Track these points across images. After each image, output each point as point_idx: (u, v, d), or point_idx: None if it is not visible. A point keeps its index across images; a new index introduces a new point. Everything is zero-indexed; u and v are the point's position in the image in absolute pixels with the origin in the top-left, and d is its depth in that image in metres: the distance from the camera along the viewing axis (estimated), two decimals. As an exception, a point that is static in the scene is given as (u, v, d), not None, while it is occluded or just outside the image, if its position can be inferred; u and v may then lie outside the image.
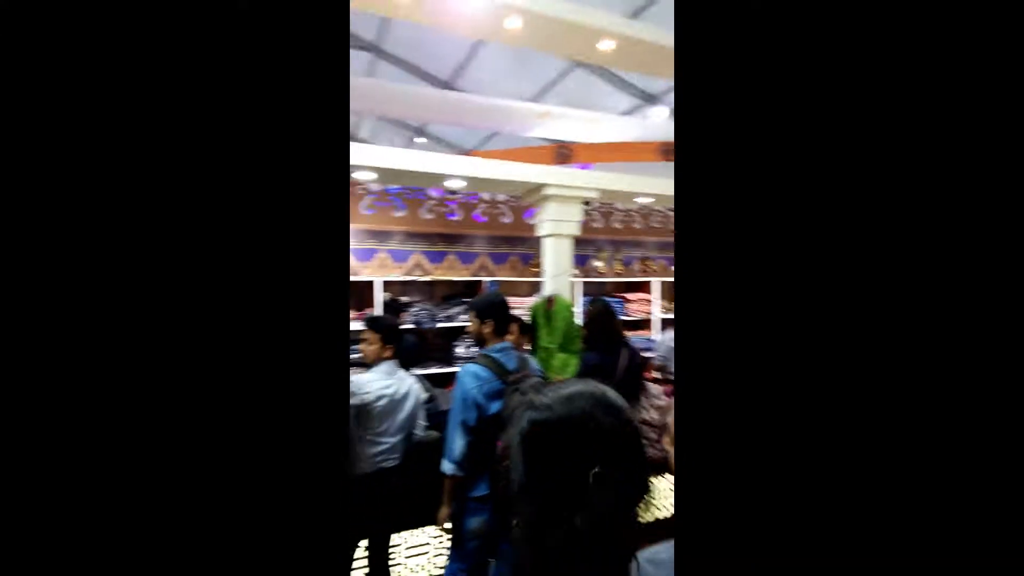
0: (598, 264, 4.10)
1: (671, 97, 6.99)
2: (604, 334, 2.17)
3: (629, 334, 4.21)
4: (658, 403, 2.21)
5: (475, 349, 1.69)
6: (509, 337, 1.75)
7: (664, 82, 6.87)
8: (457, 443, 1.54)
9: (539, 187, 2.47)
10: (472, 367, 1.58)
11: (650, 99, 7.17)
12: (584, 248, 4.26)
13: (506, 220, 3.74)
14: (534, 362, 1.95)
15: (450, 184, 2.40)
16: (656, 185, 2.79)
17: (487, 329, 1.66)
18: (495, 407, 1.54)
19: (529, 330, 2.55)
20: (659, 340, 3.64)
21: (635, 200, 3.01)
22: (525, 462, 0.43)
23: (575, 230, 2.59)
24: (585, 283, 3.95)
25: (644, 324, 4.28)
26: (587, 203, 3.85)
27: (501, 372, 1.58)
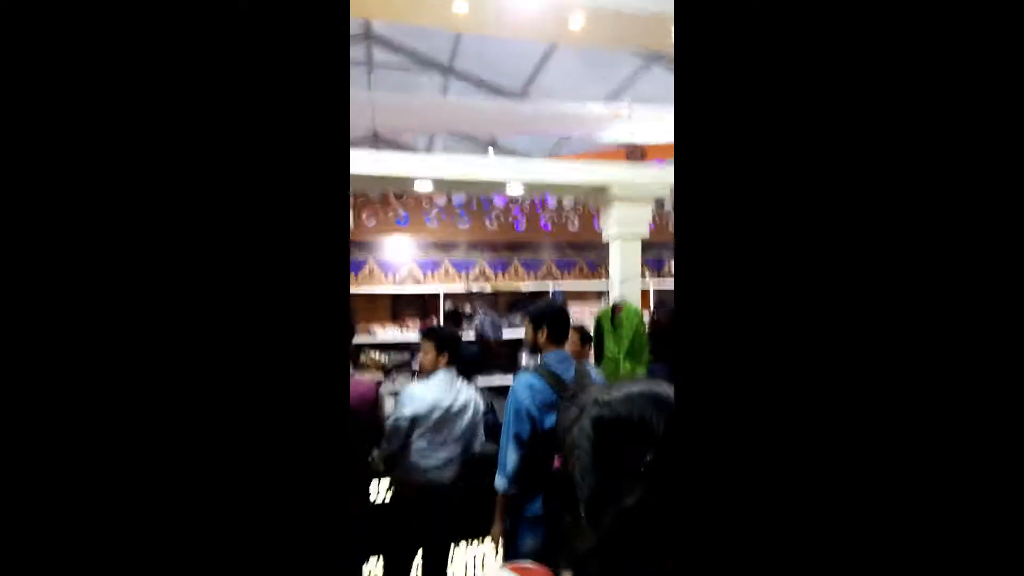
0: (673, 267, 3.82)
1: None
2: (673, 344, 1.96)
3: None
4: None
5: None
6: (568, 346, 1.64)
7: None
8: (510, 458, 1.45)
9: (604, 188, 2.34)
10: (526, 377, 1.49)
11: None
12: (660, 252, 4.00)
13: (573, 228, 3.62)
14: (595, 372, 1.81)
15: (511, 191, 2.35)
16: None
17: (542, 337, 1.56)
18: (550, 420, 1.43)
19: (594, 339, 2.41)
20: None
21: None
22: (589, 454, 0.46)
23: (644, 231, 2.41)
24: (660, 290, 3.69)
25: (729, 334, 3.90)
26: (660, 203, 3.61)
27: (557, 383, 1.47)
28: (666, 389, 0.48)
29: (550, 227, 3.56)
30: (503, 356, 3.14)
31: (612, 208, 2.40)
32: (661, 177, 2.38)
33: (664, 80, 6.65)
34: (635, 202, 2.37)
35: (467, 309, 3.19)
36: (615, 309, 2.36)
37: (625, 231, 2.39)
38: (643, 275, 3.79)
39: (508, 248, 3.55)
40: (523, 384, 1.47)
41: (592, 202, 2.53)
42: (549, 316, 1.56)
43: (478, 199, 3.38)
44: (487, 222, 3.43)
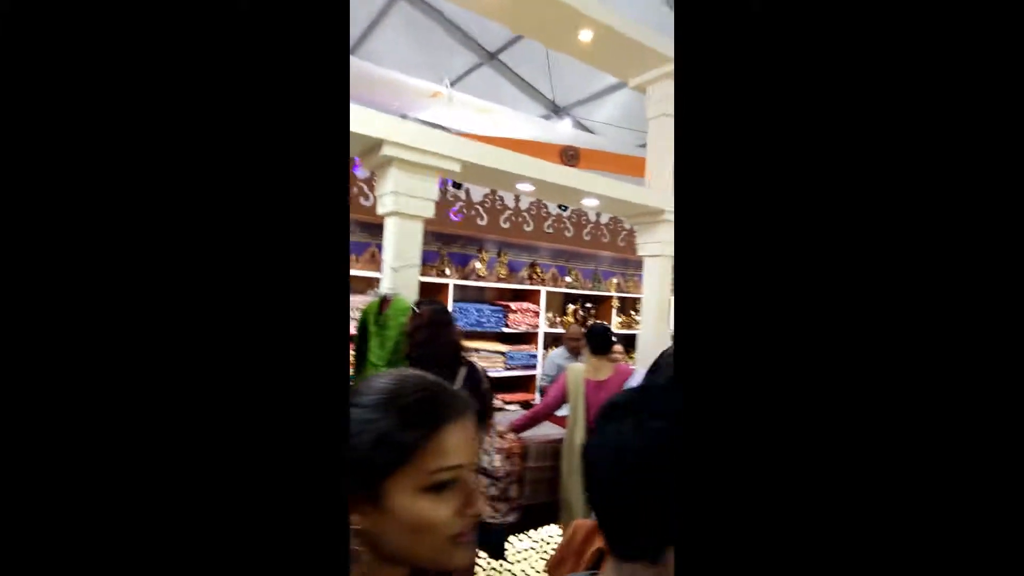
0: (478, 266, 3.54)
1: (580, 111, 6.86)
2: (436, 347, 1.57)
3: (508, 348, 3.70)
4: (502, 445, 1.66)
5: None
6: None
7: (574, 95, 6.72)
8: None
9: (378, 144, 1.83)
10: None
11: (558, 111, 6.96)
12: (466, 247, 3.69)
13: (366, 203, 3.04)
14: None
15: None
16: (540, 169, 2.29)
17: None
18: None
19: (357, 340, 1.89)
20: (549, 357, 3.18)
21: (516, 187, 2.48)
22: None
23: (427, 211, 1.98)
24: (460, 286, 3.37)
25: (527, 338, 3.79)
26: (457, 186, 3.29)
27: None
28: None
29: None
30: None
31: (388, 174, 1.91)
32: (450, 146, 1.98)
33: (495, 83, 6.58)
34: (416, 171, 1.92)
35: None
36: (383, 303, 1.88)
37: (402, 206, 1.92)
38: (444, 270, 3.43)
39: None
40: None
41: (366, 163, 2.00)
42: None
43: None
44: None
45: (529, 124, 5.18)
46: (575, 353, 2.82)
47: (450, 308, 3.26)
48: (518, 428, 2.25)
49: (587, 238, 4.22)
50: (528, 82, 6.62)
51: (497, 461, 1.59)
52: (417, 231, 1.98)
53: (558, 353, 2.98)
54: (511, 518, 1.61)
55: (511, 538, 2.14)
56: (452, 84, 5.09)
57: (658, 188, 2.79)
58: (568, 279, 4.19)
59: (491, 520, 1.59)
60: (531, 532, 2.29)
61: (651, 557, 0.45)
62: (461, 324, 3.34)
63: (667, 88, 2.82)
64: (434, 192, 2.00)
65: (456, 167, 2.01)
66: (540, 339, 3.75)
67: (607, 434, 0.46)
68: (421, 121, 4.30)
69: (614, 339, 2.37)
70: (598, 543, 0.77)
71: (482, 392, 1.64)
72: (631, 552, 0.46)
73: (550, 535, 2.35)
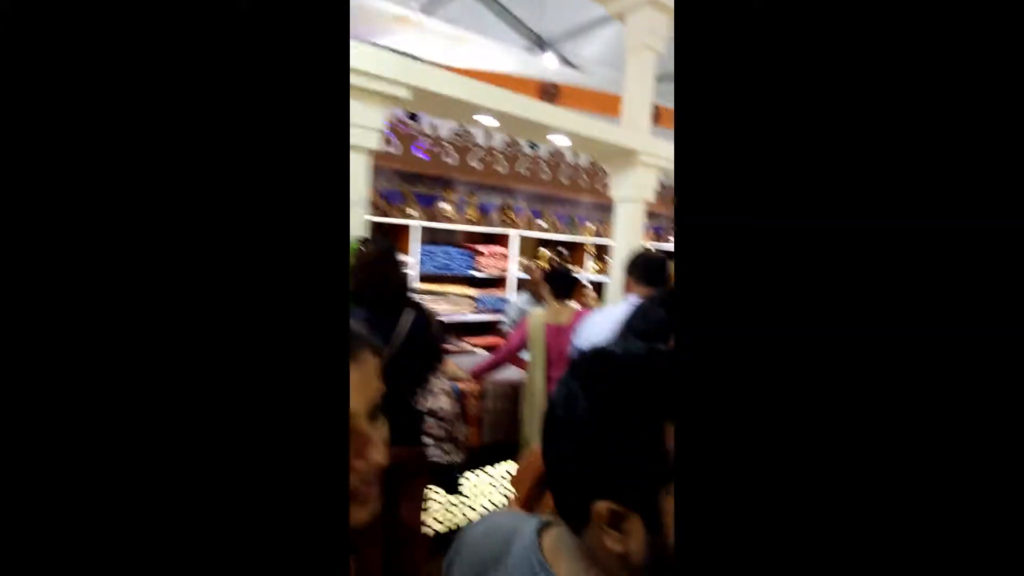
0: (446, 207, 3.41)
1: (568, 46, 6.42)
2: (378, 287, 1.50)
3: (478, 292, 3.65)
4: (448, 386, 1.63)
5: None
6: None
7: (561, 28, 6.26)
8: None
9: (313, 65, 1.65)
10: None
11: (543, 45, 6.50)
12: (433, 187, 3.53)
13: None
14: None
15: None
16: (501, 99, 2.12)
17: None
18: None
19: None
20: (511, 302, 3.14)
21: (477, 120, 2.31)
22: None
23: (370, 141, 1.83)
24: (427, 229, 3.25)
25: (497, 282, 3.74)
26: (412, 116, 3.09)
27: None
28: None
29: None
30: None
31: (328, 99, 1.74)
32: (401, 70, 1.80)
33: (476, 12, 6.10)
34: (357, 96, 1.75)
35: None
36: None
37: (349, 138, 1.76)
38: (409, 211, 3.29)
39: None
40: None
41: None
42: None
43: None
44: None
45: (508, 57, 4.84)
46: (538, 298, 2.78)
47: (416, 251, 3.15)
48: (478, 374, 2.24)
49: (564, 181, 4.06)
50: (511, 12, 6.14)
51: (444, 403, 1.57)
52: (363, 164, 1.84)
53: (521, 298, 2.94)
54: (458, 457, 1.62)
55: (468, 475, 2.19)
56: (428, 12, 4.68)
57: (633, 127, 2.64)
58: (542, 223, 4.08)
59: (439, 460, 1.59)
60: (488, 469, 2.34)
61: (568, 522, 0.45)
62: (428, 267, 3.25)
63: (648, 17, 2.59)
64: (379, 121, 1.84)
65: (405, 93, 1.84)
66: (512, 283, 3.70)
67: (563, 393, 0.45)
68: (388, 48, 3.98)
69: (578, 283, 2.32)
70: None
71: (430, 335, 1.59)
72: (560, 512, 0.46)
73: (508, 472, 2.41)
